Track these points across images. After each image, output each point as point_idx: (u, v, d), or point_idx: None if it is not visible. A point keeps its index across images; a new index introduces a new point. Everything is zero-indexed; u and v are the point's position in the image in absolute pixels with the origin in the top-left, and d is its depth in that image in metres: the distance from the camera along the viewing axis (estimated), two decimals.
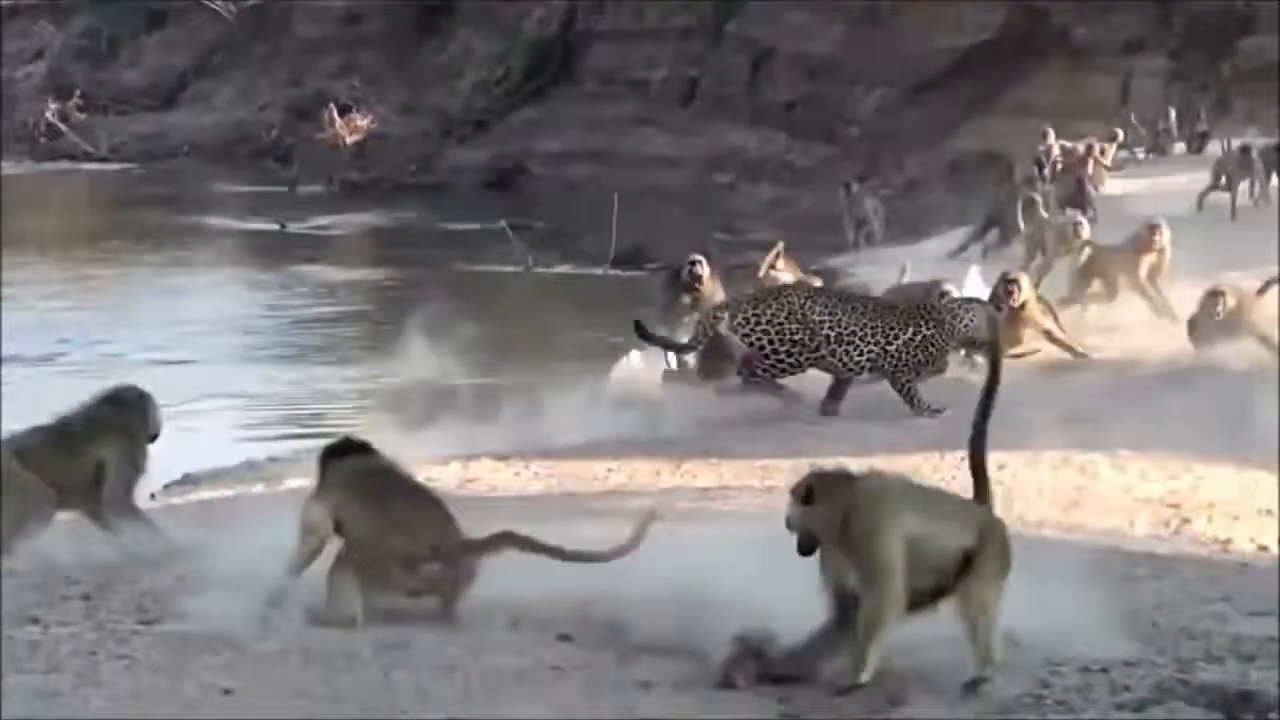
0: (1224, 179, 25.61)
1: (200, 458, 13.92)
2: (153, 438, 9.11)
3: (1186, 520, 10.23)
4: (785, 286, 14.84)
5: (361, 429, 10.22)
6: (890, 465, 11.39)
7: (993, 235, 24.77)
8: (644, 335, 14.64)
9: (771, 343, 13.54)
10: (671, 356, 15.31)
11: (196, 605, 7.46)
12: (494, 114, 49.72)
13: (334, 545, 7.67)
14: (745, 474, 11.70)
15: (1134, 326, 16.87)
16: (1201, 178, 26.64)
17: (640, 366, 16.37)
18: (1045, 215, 21.39)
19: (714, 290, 14.86)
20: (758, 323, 13.55)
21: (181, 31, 61.23)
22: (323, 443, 8.16)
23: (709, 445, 12.76)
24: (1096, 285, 17.71)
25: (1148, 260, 17.37)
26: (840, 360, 13.56)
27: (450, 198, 44.33)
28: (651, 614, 7.23)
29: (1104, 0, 38.74)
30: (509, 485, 11.78)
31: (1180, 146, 33.83)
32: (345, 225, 40.53)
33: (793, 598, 6.66)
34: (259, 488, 12.44)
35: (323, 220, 40.66)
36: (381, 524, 7.51)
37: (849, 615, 6.56)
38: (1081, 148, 28.80)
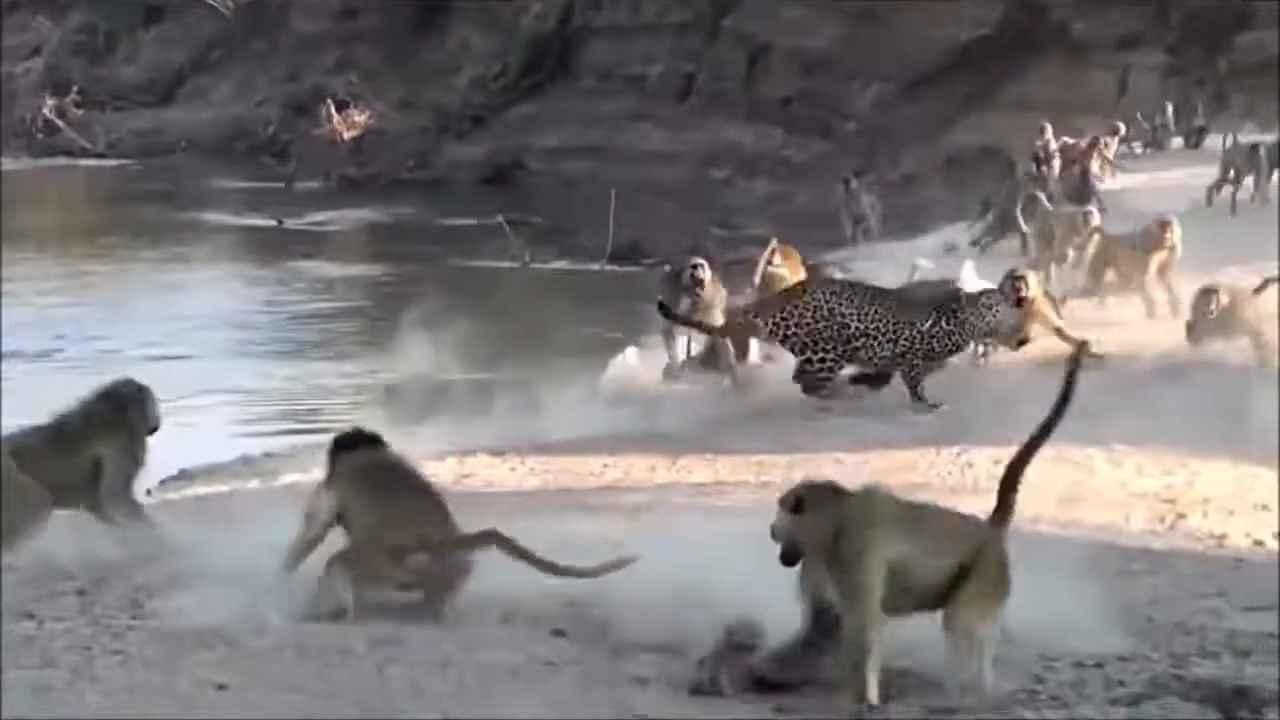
0: (1233, 173, 25.63)
1: (197, 453, 13.91)
2: (152, 431, 9.12)
3: (1182, 515, 10.24)
4: (809, 283, 14.90)
5: (358, 424, 10.21)
6: (886, 460, 11.48)
7: (982, 228, 24.80)
8: (669, 315, 14.71)
9: (805, 345, 13.69)
10: (678, 351, 15.35)
11: (191, 600, 7.47)
12: (491, 110, 49.67)
13: (331, 542, 7.69)
14: (741, 469, 11.71)
15: (1131, 322, 16.88)
16: (1200, 173, 26.64)
17: (636, 363, 16.38)
18: (1050, 208, 21.40)
19: (715, 292, 14.89)
20: (788, 326, 13.69)
21: (179, 27, 61.16)
22: (320, 438, 8.20)
23: (705, 441, 12.77)
24: (1110, 276, 17.78)
25: (1158, 257, 17.39)
26: (866, 353, 13.67)
27: (447, 193, 44.30)
28: (646, 610, 7.23)
29: None
30: (505, 480, 11.79)
31: (1178, 141, 33.81)
32: (342, 221, 40.50)
33: (787, 594, 6.65)
34: (255, 483, 12.46)
35: (320, 216, 40.62)
36: (383, 518, 7.53)
37: (825, 623, 6.54)
38: (1084, 141, 28.80)
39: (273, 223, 39.17)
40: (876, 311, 13.71)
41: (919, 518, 6.67)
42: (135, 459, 9.06)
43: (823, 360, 13.74)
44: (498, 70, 50.31)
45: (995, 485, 6.77)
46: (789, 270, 16.25)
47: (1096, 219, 19.41)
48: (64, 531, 8.81)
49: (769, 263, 16.25)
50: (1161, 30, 38.52)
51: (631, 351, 16.75)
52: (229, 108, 56.14)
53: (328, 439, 8.13)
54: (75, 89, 57.42)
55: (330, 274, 31.52)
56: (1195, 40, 37.79)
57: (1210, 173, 26.02)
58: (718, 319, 14.72)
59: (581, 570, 7.44)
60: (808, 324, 13.74)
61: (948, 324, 13.67)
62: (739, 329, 14.47)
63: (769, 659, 6.69)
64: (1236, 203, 25.01)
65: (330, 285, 30.22)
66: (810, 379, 13.83)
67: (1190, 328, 15.11)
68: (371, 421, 8.94)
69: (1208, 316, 14.88)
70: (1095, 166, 27.66)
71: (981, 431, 11.63)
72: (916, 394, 13.64)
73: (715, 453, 12.28)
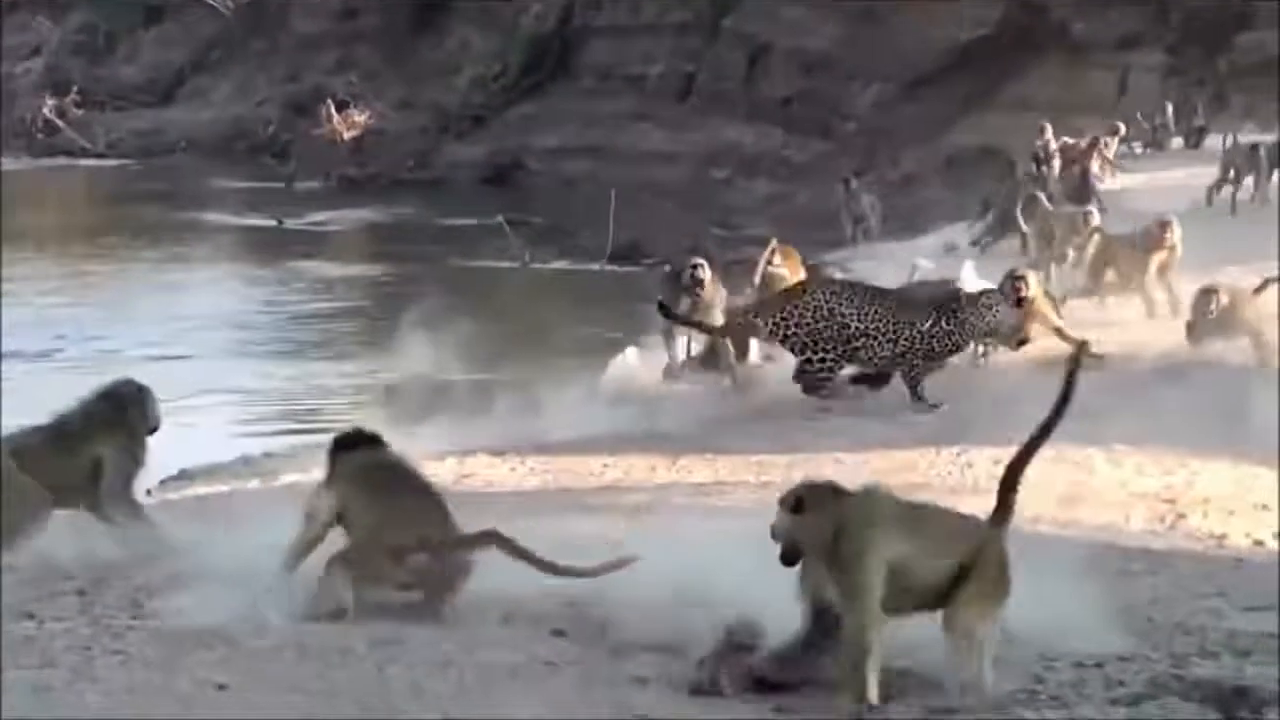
0: (1233, 173, 25.64)
1: (196, 453, 13.90)
2: (152, 431, 9.13)
3: (1182, 515, 10.24)
4: (809, 283, 14.91)
5: (358, 424, 10.21)
6: (886, 460, 11.48)
7: (982, 228, 24.81)
8: (669, 315, 14.72)
9: (805, 345, 13.69)
10: (678, 351, 15.36)
11: (191, 600, 7.47)
12: (491, 110, 49.67)
13: (331, 542, 7.69)
14: (741, 469, 11.71)
15: (1131, 322, 16.88)
16: (1199, 173, 26.65)
17: (636, 363, 16.38)
18: (1049, 208, 21.41)
19: (715, 292, 14.90)
20: (788, 326, 13.70)
21: (179, 27, 61.16)
22: (320, 438, 8.20)
23: (705, 441, 12.77)
24: (1110, 276, 17.80)
25: (1158, 257, 17.40)
26: (866, 353, 13.68)
27: (447, 193, 44.30)
28: (646, 610, 7.23)
29: None
30: (505, 480, 11.79)
31: (1178, 141, 33.81)
32: (342, 221, 40.50)
33: (787, 594, 6.65)
34: (255, 483, 12.46)
35: (320, 216, 40.62)
36: (383, 518, 7.54)
37: (825, 623, 6.54)
38: (1084, 141, 28.81)
39: (273, 223, 39.17)
40: (876, 311, 13.72)
41: (919, 518, 6.67)
42: (135, 459, 9.07)
43: (823, 360, 13.74)
44: (498, 70, 50.30)
45: (995, 485, 6.77)
46: (789, 270, 16.25)
47: (1096, 219, 19.43)
48: (64, 531, 8.81)
49: (769, 263, 16.25)
50: (1161, 30, 38.52)
51: (631, 351, 16.76)
52: (229, 108, 56.14)
53: (328, 439, 8.14)
54: (75, 89, 57.41)
55: (330, 274, 31.52)
56: (1195, 40, 37.79)
57: (1210, 173, 26.02)
58: (718, 319, 14.73)
59: (581, 570, 7.44)
60: (808, 324, 13.75)
61: (948, 324, 13.68)
62: (739, 329, 14.48)
63: (769, 659, 6.69)
64: (1236, 203, 25.01)
65: (330, 285, 30.22)
66: (810, 379, 13.84)
67: (1190, 328, 15.10)
68: (371, 421, 8.94)
69: (1208, 316, 14.88)
70: (1095, 166, 27.67)
71: (981, 431, 11.63)
72: (916, 394, 13.65)
73: (715, 453, 12.28)
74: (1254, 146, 26.18)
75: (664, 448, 12.49)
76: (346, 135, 49.80)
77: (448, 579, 7.55)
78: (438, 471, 10.49)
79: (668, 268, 16.81)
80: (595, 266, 31.02)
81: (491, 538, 7.50)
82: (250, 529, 8.45)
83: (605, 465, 12.10)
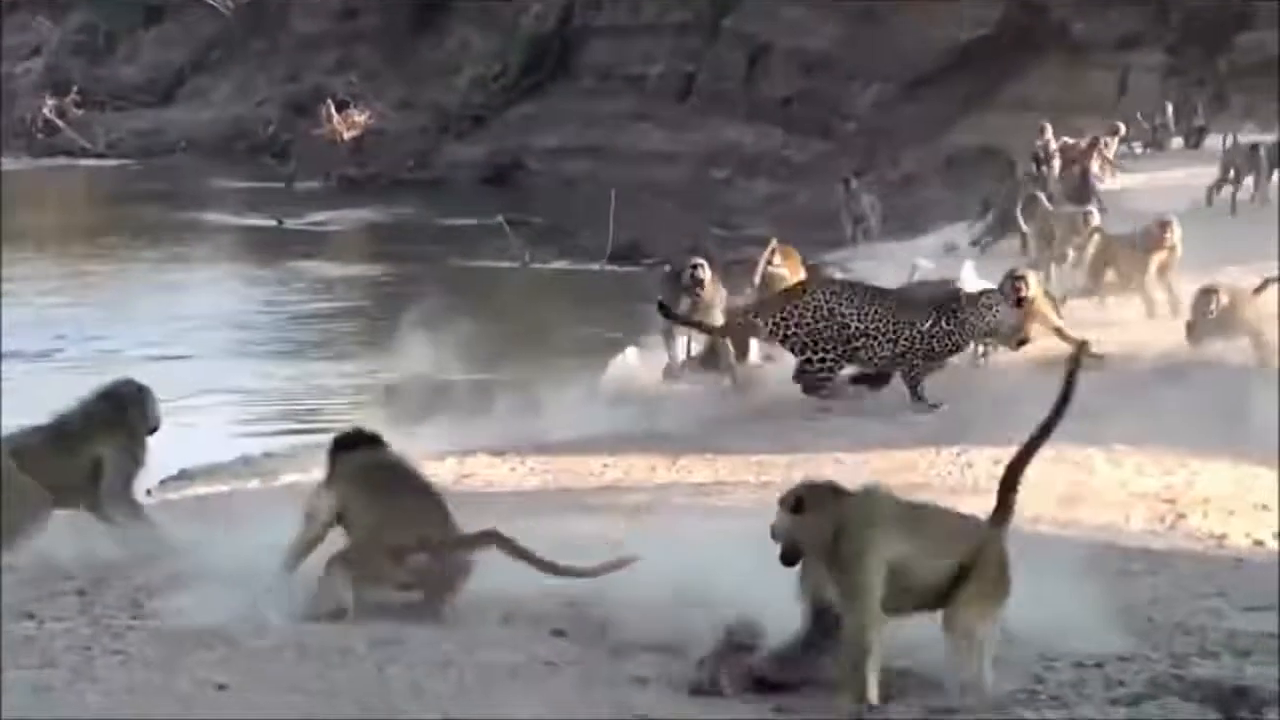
0: (1233, 172, 25.64)
1: (196, 453, 13.91)
2: (152, 431, 9.13)
3: (1182, 515, 10.24)
4: (809, 283, 14.91)
5: (358, 424, 10.22)
6: (886, 460, 11.48)
7: (982, 228, 24.82)
8: (669, 315, 14.72)
9: (805, 345, 13.70)
10: (678, 351, 15.36)
11: (191, 600, 7.47)
12: (491, 110, 49.67)
13: (331, 542, 7.69)
14: (741, 469, 11.71)
15: (1131, 322, 16.88)
16: (1199, 173, 26.65)
17: (636, 363, 16.39)
18: (1049, 208, 21.41)
19: (715, 292, 14.90)
20: (788, 326, 13.70)
21: (179, 27, 61.16)
22: (320, 438, 8.20)
23: (705, 441, 12.77)
24: (1110, 276, 17.80)
25: (1158, 257, 17.40)
26: (866, 353, 13.68)
27: (447, 193, 44.30)
28: (646, 610, 7.23)
29: None
30: (505, 480, 11.79)
31: (1178, 141, 33.81)
32: (342, 221, 40.50)
33: (787, 594, 6.65)
34: (255, 483, 12.46)
35: (320, 216, 40.62)
36: (383, 518, 7.54)
37: (825, 623, 6.54)
38: (1084, 141, 28.81)
39: (273, 223, 39.17)
40: (876, 311, 13.72)
41: (919, 518, 6.67)
42: (135, 459, 9.07)
43: (823, 360, 13.74)
44: (498, 70, 50.31)
45: (995, 485, 6.77)
46: (789, 270, 16.25)
47: (1096, 219, 19.43)
48: (64, 531, 8.81)
49: (769, 263, 16.25)
50: (1161, 30, 38.52)
51: (631, 351, 16.76)
52: (229, 108, 56.14)
53: (328, 439, 8.14)
54: (75, 89, 57.41)
55: (330, 274, 31.52)
56: (1195, 40, 37.79)
57: (1210, 173, 26.03)
58: (718, 319, 14.73)
59: (581, 570, 7.45)
60: (808, 324, 13.75)
61: (948, 324, 13.68)
62: (739, 329, 14.48)
63: (769, 659, 6.69)
64: (1236, 203, 25.01)
65: (330, 285, 30.22)
66: (810, 379, 13.84)
67: (1190, 328, 15.10)
68: (371, 421, 8.94)
69: (1208, 316, 14.88)
70: (1095, 166, 27.67)
71: (981, 431, 11.63)
72: (916, 394, 13.65)
73: (715, 453, 12.28)
74: (1254, 146, 26.19)
75: (664, 448, 12.49)
76: (346, 135, 49.80)
77: (448, 579, 7.55)
78: (438, 471, 10.49)
79: (668, 268, 16.81)
80: (595, 266, 31.01)
81: (491, 538, 7.50)
82: (250, 529, 8.45)
83: (605, 465, 12.10)
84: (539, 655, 7.03)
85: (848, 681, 6.42)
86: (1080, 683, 6.74)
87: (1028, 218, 21.94)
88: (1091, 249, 18.51)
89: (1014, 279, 14.90)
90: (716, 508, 10.31)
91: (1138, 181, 28.21)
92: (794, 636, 6.64)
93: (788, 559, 6.55)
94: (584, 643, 7.21)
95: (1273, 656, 7.04)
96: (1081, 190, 25.10)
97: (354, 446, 7.86)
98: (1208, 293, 14.94)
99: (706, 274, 14.80)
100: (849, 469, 10.25)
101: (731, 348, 14.73)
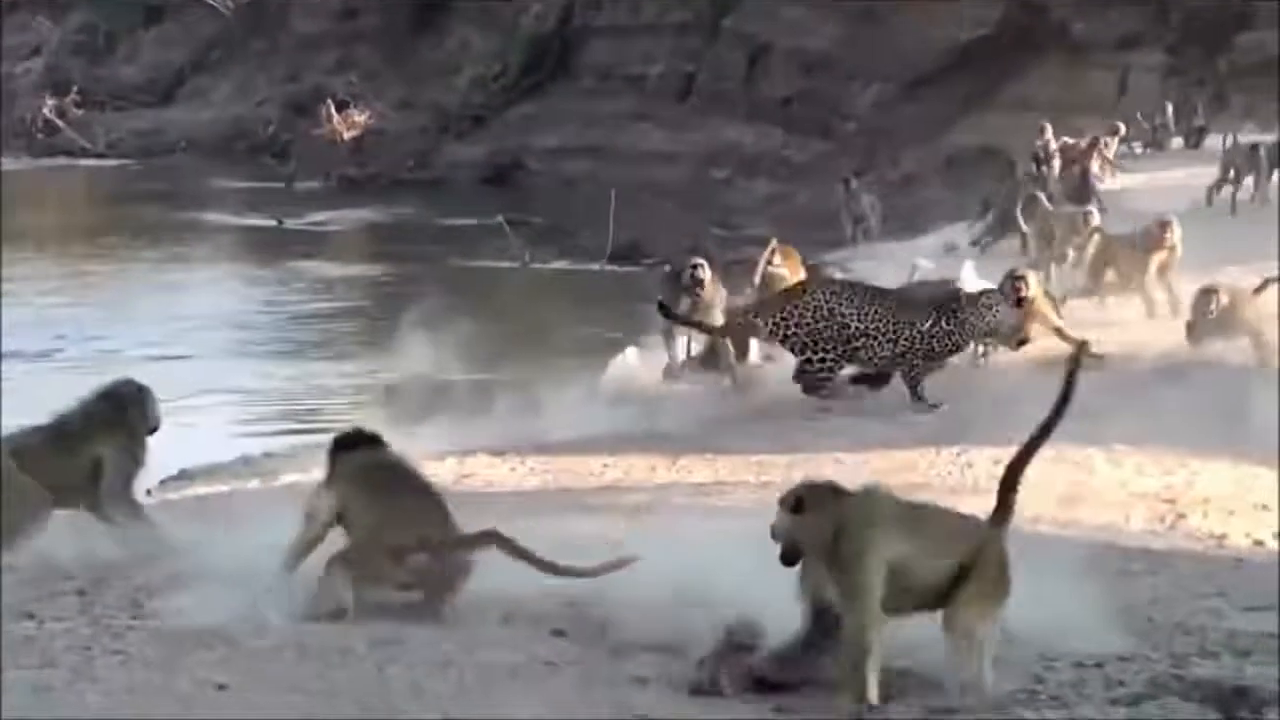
0: (1233, 172, 25.65)
1: (196, 453, 13.91)
2: (152, 431, 9.13)
3: (1182, 515, 10.24)
4: (809, 283, 14.91)
5: (358, 424, 10.22)
6: (886, 460, 11.48)
7: (982, 228, 24.83)
8: (669, 315, 14.73)
9: (805, 345, 13.70)
10: (678, 351, 15.36)
11: (191, 600, 7.47)
12: (491, 110, 49.67)
13: (331, 542, 7.69)
14: (741, 469, 11.71)
15: (1131, 322, 16.88)
16: (1200, 173, 26.66)
17: (636, 363, 16.39)
18: (1049, 208, 21.42)
19: (715, 292, 14.90)
20: (788, 326, 13.71)
21: (179, 27, 61.16)
22: (320, 438, 8.20)
23: (705, 441, 12.77)
24: (1110, 276, 17.81)
25: (1158, 257, 17.41)
26: (866, 353, 13.68)
27: (447, 193, 44.30)
28: (646, 610, 7.23)
29: None
30: (505, 480, 11.79)
31: (1178, 141, 33.82)
32: (342, 221, 40.50)
33: (787, 594, 6.65)
34: (255, 483, 12.46)
35: (320, 216, 40.62)
36: (383, 518, 7.54)
37: (825, 623, 6.54)
38: (1084, 141, 28.81)
39: (273, 223, 39.17)
40: (876, 311, 13.72)
41: (919, 518, 6.67)
42: (135, 459, 9.07)
43: (823, 360, 13.75)
44: (498, 70, 50.31)
45: (995, 485, 6.77)
46: (789, 270, 16.26)
47: (1096, 219, 19.44)
48: (64, 531, 8.81)
49: (769, 263, 16.25)
50: (1161, 30, 38.52)
51: (631, 351, 16.76)
52: (229, 108, 56.14)
53: (328, 439, 8.14)
54: (75, 89, 57.41)
55: (330, 274, 31.52)
56: (1195, 40, 37.78)
57: (1210, 173, 26.03)
58: (718, 319, 14.73)
59: (581, 570, 7.45)
60: (808, 324, 13.75)
61: (948, 324, 13.69)
62: (739, 329, 14.48)
63: (769, 659, 6.69)
64: (1236, 203, 25.02)
65: (330, 285, 30.22)
66: (810, 379, 13.84)
67: (1190, 328, 15.10)
68: (371, 421, 8.94)
69: (1208, 316, 14.88)
70: (1095, 166, 27.67)
71: (981, 431, 11.63)
72: (916, 394, 13.65)
73: (715, 453, 12.28)
74: (1254, 146, 26.19)
75: (664, 448, 12.49)
76: (346, 135, 49.80)
77: (448, 579, 7.55)
78: (438, 471, 10.49)
79: (668, 268, 16.81)
80: (595, 266, 31.01)
81: (491, 538, 7.50)
82: (250, 529, 8.45)
83: (605, 465, 12.10)
84: (539, 655, 7.03)
85: (848, 681, 6.42)
86: (1080, 683, 6.74)
87: (1028, 218, 21.93)
88: (1091, 249, 18.51)
89: (1014, 279, 14.90)
90: (716, 508, 10.30)
91: (1138, 181, 28.21)
92: (794, 636, 6.64)
93: (788, 559, 6.55)
94: (584, 643, 7.21)
95: (1273, 656, 7.04)
96: (1081, 190, 25.11)
97: (354, 446, 7.86)
98: (1208, 293, 14.94)
99: (706, 274, 14.81)
100: (849, 469, 10.25)
101: (731, 348, 14.73)
